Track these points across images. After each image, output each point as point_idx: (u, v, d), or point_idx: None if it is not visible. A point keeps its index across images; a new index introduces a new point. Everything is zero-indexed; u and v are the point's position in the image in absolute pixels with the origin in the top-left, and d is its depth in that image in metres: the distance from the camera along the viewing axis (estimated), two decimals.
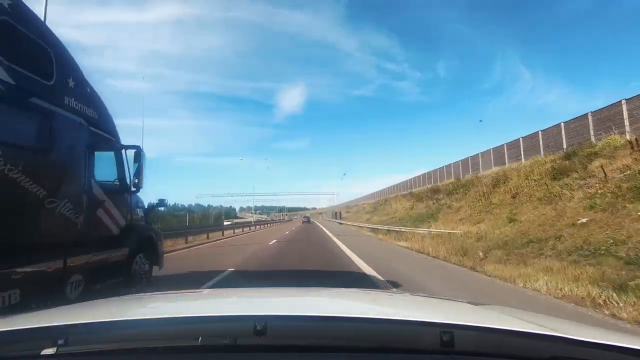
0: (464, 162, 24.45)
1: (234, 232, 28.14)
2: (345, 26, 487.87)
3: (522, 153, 17.93)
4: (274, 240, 18.39)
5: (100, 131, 4.27)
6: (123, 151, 4.83)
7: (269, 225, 49.64)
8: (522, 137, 18.33)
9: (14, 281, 2.86)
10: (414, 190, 31.49)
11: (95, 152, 4.10)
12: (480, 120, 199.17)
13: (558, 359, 0.85)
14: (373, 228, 26.55)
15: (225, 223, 39.09)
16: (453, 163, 26.23)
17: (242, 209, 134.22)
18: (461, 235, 12.77)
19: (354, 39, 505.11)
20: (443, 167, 28.18)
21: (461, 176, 23.58)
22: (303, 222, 57.23)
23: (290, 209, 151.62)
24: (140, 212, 5.65)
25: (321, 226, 40.65)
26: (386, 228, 22.93)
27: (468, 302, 1.58)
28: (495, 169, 19.19)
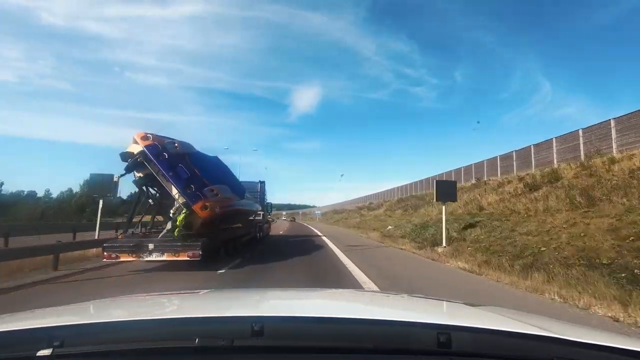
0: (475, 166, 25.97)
1: None
2: (365, 29, 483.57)
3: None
4: None
5: (265, 198, 21.31)
6: (267, 204, 21.79)
7: None
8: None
9: (265, 229, 20.49)
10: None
11: (265, 204, 21.17)
12: (478, 122, 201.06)
13: None
14: None
15: None
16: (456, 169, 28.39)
17: None
18: None
19: (372, 42, 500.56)
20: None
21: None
22: (290, 220, 54.32)
23: (292, 207, 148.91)
24: (266, 217, 22.64)
25: None
26: None
27: (465, 303, 1.58)
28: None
